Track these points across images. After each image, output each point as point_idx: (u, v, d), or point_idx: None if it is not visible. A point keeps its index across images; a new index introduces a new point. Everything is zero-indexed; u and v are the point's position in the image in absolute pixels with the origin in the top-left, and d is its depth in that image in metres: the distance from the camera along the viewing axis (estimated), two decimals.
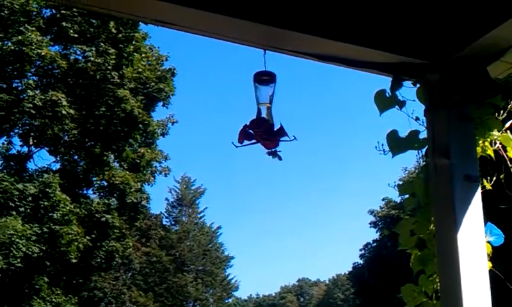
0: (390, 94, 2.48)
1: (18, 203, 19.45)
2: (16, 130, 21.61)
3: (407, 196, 2.58)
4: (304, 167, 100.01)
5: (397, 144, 2.51)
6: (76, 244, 20.44)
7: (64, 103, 20.37)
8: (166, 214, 44.13)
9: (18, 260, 18.56)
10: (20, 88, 20.65)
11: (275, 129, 2.47)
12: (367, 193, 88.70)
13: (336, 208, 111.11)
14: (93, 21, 21.40)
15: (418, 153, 2.54)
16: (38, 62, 20.80)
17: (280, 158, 2.49)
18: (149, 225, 40.46)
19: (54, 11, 21.47)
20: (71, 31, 21.09)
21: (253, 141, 2.46)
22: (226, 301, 46.51)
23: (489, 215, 2.41)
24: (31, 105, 20.01)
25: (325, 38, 2.29)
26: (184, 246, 42.20)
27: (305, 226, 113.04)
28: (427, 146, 2.47)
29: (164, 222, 43.68)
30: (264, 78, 2.47)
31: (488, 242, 2.41)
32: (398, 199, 31.94)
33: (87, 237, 21.28)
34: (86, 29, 21.44)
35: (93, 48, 21.41)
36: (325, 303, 72.25)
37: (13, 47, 19.77)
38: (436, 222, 2.38)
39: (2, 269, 18.39)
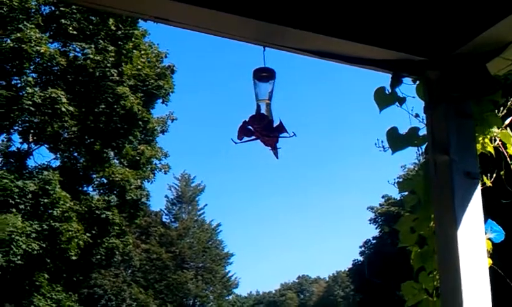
0: (390, 91, 2.48)
1: (18, 200, 19.45)
2: (15, 127, 21.61)
3: (407, 193, 2.58)
4: (304, 164, 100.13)
5: (396, 141, 2.51)
6: (76, 240, 20.45)
7: (64, 100, 20.36)
8: (165, 211, 44.23)
9: (19, 257, 18.56)
10: (19, 85, 20.62)
11: (274, 125, 2.46)
12: (366, 189, 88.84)
13: (336, 205, 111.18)
14: (92, 18, 21.38)
15: (418, 150, 2.53)
16: (37, 59, 20.77)
17: (277, 156, 2.49)
18: (149, 222, 40.49)
19: (53, 8, 21.42)
20: (70, 28, 21.07)
21: (253, 137, 2.46)
22: (226, 298, 46.62)
23: (490, 211, 2.40)
24: (30, 102, 19.99)
25: (324, 35, 2.28)
26: (184, 243, 42.25)
27: (305, 223, 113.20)
28: (426, 143, 2.47)
29: (164, 219, 43.77)
30: (263, 74, 2.46)
31: (489, 238, 2.40)
32: (398, 196, 31.96)
33: (87, 234, 21.29)
34: (85, 26, 21.41)
35: (92, 46, 21.38)
36: (325, 300, 72.33)
37: (12, 44, 19.75)
38: (436, 219, 2.38)
39: (3, 266, 18.40)
